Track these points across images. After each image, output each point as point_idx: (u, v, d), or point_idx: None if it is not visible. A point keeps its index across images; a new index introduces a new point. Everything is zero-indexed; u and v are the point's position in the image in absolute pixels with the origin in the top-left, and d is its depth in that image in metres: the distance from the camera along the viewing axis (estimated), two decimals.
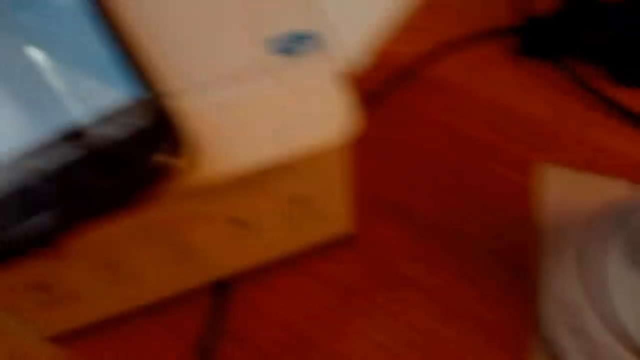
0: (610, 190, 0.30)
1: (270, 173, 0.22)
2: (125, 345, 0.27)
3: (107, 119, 0.19)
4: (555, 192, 0.31)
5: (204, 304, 0.29)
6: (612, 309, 0.22)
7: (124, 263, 0.24)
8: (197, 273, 0.27)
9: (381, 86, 0.35)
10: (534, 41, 0.37)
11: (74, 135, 0.18)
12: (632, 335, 0.21)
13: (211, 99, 0.20)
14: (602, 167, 0.32)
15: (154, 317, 0.28)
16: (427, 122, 0.35)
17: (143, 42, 0.21)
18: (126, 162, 0.18)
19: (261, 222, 0.25)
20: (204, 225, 0.24)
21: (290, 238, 0.27)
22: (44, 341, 0.24)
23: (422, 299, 0.28)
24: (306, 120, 0.21)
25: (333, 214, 0.27)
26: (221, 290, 0.29)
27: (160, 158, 0.18)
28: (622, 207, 0.24)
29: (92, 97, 0.19)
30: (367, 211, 0.31)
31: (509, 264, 0.29)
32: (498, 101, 0.35)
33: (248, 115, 0.21)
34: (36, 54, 0.20)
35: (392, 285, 0.29)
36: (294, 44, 0.21)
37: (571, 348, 0.24)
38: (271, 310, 0.28)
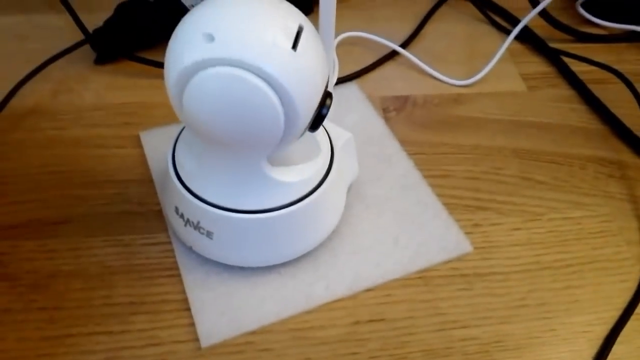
0: None
1: None
2: None
3: None
4: (153, 146, 0.37)
5: None
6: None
7: None
8: None
9: None
10: (103, 47, 0.42)
11: None
12: (201, 194, 0.29)
13: None
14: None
15: None
16: (32, 146, 0.37)
17: None
18: None
19: None
20: None
21: None
22: None
23: (75, 279, 0.31)
24: None
25: None
26: None
27: None
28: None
29: None
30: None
31: (141, 214, 0.34)
32: (90, 104, 0.40)
33: None
34: None
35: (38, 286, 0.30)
36: None
37: (179, 226, 0.31)
38: None
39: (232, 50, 0.23)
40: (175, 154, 0.30)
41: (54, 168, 0.36)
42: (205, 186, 0.29)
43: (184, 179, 0.29)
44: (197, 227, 0.29)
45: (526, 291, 0.31)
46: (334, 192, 0.31)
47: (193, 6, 0.43)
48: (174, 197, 0.30)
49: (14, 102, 0.39)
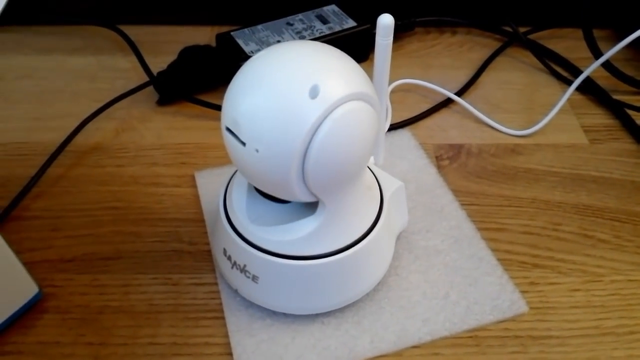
0: None
1: None
2: None
3: None
4: (206, 186, 0.38)
5: None
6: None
7: None
8: None
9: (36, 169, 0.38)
10: (166, 89, 0.44)
11: None
12: (249, 238, 0.29)
13: None
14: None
15: None
16: (91, 182, 0.38)
17: None
18: None
19: None
20: None
21: None
22: None
23: (122, 315, 0.31)
24: None
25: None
26: None
27: None
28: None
29: None
30: (51, 275, 0.33)
31: (191, 253, 0.34)
32: (150, 143, 0.41)
33: None
34: None
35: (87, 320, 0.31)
36: None
37: (226, 268, 0.31)
38: None
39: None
40: (227, 196, 0.31)
41: (110, 204, 0.37)
42: (253, 230, 0.29)
43: (233, 221, 0.30)
44: (243, 270, 0.29)
45: (585, 358, 0.29)
46: (382, 241, 0.31)
47: (253, 52, 0.46)
48: (222, 239, 0.30)
49: (79, 138, 0.41)
